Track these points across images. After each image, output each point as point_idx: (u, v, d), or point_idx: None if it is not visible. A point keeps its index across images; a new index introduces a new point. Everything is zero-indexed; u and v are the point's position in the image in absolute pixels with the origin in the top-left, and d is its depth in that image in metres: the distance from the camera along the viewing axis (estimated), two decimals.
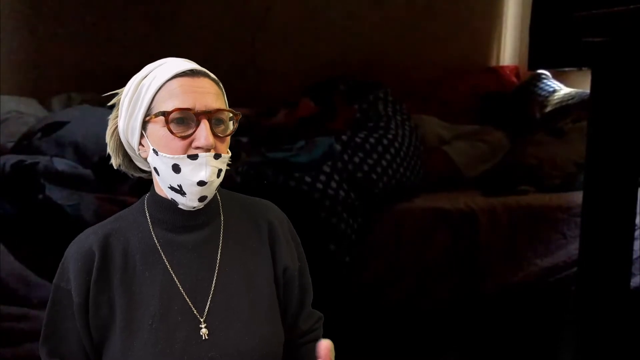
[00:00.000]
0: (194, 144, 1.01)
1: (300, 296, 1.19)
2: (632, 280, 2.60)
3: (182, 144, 1.01)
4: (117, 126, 1.09)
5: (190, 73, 1.03)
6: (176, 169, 1.01)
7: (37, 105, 3.29)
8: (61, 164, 2.73)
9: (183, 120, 1.01)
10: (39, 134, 2.89)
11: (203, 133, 1.01)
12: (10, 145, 2.92)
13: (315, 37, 3.77)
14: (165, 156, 1.02)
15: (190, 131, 1.01)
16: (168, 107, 1.01)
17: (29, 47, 3.37)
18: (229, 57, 3.51)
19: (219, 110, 1.03)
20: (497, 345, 2.77)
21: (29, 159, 2.72)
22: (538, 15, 2.64)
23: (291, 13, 3.75)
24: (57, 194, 2.62)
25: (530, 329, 2.80)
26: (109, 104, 1.11)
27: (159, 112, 1.01)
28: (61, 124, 2.90)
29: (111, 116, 1.11)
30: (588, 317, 2.51)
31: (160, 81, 1.02)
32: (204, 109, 1.02)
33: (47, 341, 1.08)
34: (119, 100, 1.08)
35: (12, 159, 2.72)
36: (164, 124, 1.01)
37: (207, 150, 1.01)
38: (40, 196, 2.61)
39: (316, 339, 1.16)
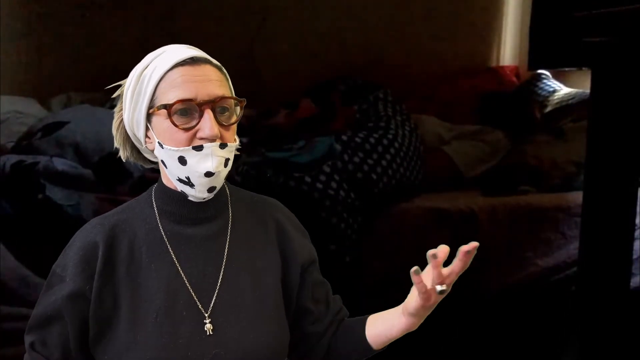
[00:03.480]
0: (199, 135, 0.99)
1: (324, 284, 1.22)
2: (632, 280, 2.60)
3: (186, 135, 1.00)
4: (122, 119, 1.08)
5: (191, 61, 1.01)
6: (182, 161, 1.00)
7: (37, 106, 3.29)
8: (61, 164, 2.73)
9: (186, 112, 1.00)
10: (39, 134, 2.89)
11: (207, 124, 0.99)
12: (10, 145, 2.92)
13: (316, 38, 3.77)
14: (170, 149, 1.00)
15: (194, 122, 1.00)
16: (170, 98, 0.99)
17: (29, 47, 3.37)
18: (229, 58, 3.51)
19: (222, 98, 1.01)
20: (497, 345, 2.77)
21: (29, 159, 2.72)
22: (538, 15, 2.65)
23: (291, 13, 3.75)
24: (57, 194, 2.62)
25: (530, 329, 2.79)
26: (113, 95, 1.10)
27: (161, 105, 1.00)
28: (61, 124, 2.90)
29: (116, 109, 1.10)
30: (588, 317, 2.51)
31: (161, 72, 1.01)
32: (206, 98, 1.00)
33: (32, 330, 1.05)
34: (123, 92, 1.07)
35: (12, 159, 2.72)
36: (167, 116, 0.99)
37: (212, 140, 1.00)
38: (40, 196, 2.61)
39: (346, 315, 1.24)
